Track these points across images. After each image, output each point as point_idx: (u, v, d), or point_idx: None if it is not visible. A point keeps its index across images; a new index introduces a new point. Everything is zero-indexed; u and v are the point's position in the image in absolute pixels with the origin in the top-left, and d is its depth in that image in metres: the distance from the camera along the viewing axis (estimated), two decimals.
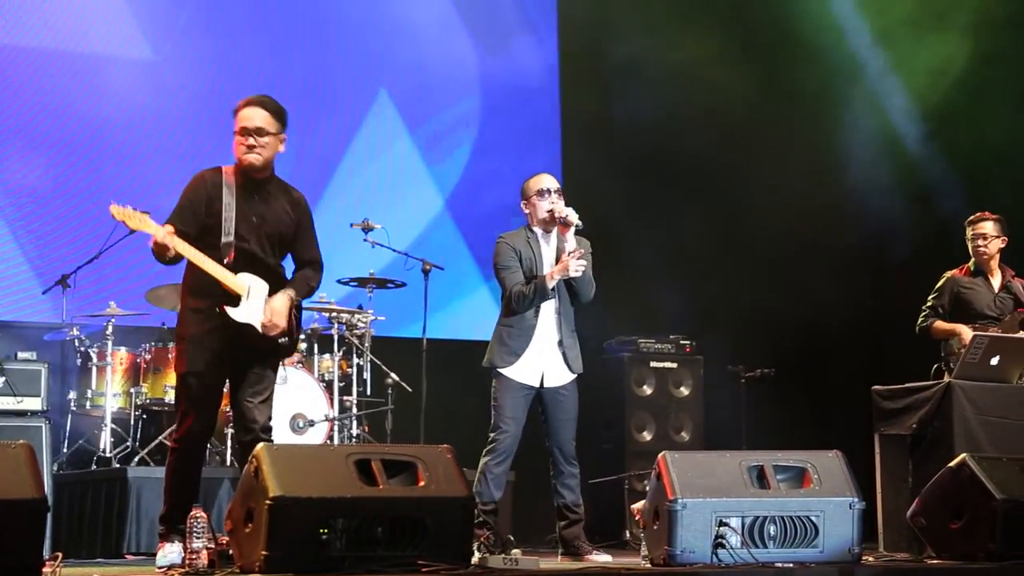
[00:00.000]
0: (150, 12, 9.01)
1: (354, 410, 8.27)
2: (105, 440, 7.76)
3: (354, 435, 8.17)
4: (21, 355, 7.60)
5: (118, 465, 7.56)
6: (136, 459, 7.60)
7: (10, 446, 4.66)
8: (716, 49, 9.68)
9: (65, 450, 7.88)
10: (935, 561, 5.79)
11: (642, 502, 5.75)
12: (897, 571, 5.87)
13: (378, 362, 8.38)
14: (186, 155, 8.73)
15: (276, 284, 5.60)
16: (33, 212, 8.68)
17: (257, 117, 5.54)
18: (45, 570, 4.67)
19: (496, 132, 10.08)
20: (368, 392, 8.43)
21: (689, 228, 10.10)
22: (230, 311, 5.45)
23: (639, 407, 8.99)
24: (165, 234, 5.36)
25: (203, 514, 5.01)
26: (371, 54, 9.68)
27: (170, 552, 5.44)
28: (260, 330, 5.51)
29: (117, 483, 7.24)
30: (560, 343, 6.43)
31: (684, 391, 9.10)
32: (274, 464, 4.68)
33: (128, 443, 7.77)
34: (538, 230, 6.51)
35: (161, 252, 5.42)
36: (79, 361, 7.98)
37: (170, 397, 7.63)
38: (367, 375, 8.43)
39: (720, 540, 5.28)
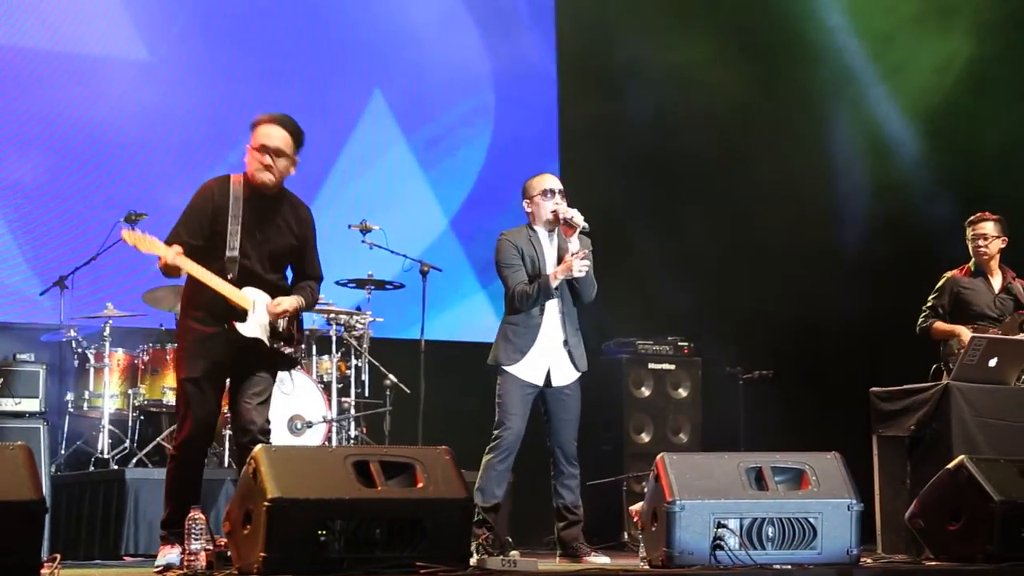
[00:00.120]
0: (147, 14, 9.00)
1: (352, 411, 8.27)
2: (103, 441, 7.75)
3: (352, 436, 8.17)
4: (19, 356, 7.61)
5: (116, 466, 7.55)
6: (134, 460, 7.60)
7: (8, 447, 4.66)
8: (716, 50, 9.68)
9: (63, 451, 7.88)
10: (933, 563, 5.79)
11: (640, 503, 5.75)
12: (895, 573, 5.87)
13: (376, 363, 8.38)
14: (183, 156, 8.75)
15: (277, 296, 5.62)
16: (31, 213, 8.67)
17: (278, 137, 5.52)
18: (43, 571, 4.67)
19: (494, 133, 10.07)
20: (366, 393, 8.43)
21: (688, 229, 10.11)
22: (239, 327, 5.46)
23: (637, 409, 8.98)
24: (175, 255, 5.36)
25: (201, 515, 5.01)
26: (368, 55, 9.68)
27: (169, 554, 5.44)
28: (268, 344, 5.52)
29: (115, 484, 7.23)
30: (566, 342, 6.44)
31: (682, 392, 9.10)
32: (272, 465, 4.68)
33: (126, 444, 7.76)
34: (540, 229, 6.51)
35: (170, 272, 5.42)
36: (77, 362, 7.98)
37: (168, 398, 7.64)
38: (365, 376, 8.43)
39: (718, 542, 5.28)
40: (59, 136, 8.70)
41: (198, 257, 5.47)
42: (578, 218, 6.37)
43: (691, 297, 9.91)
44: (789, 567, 5.30)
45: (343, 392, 8.26)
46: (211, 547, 5.05)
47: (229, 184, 5.55)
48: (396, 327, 8.82)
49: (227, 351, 5.50)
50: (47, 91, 8.74)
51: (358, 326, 8.36)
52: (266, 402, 5.63)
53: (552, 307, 6.42)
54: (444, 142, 9.91)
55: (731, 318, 9.94)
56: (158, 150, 8.84)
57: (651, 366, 9.05)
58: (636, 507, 5.89)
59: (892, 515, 6.73)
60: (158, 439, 7.71)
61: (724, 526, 5.31)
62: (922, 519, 5.89)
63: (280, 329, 5.58)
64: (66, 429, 7.94)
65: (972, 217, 7.43)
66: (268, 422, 5.63)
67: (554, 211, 6.43)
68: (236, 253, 5.47)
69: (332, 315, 8.23)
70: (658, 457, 5.51)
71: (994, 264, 7.40)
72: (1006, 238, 7.39)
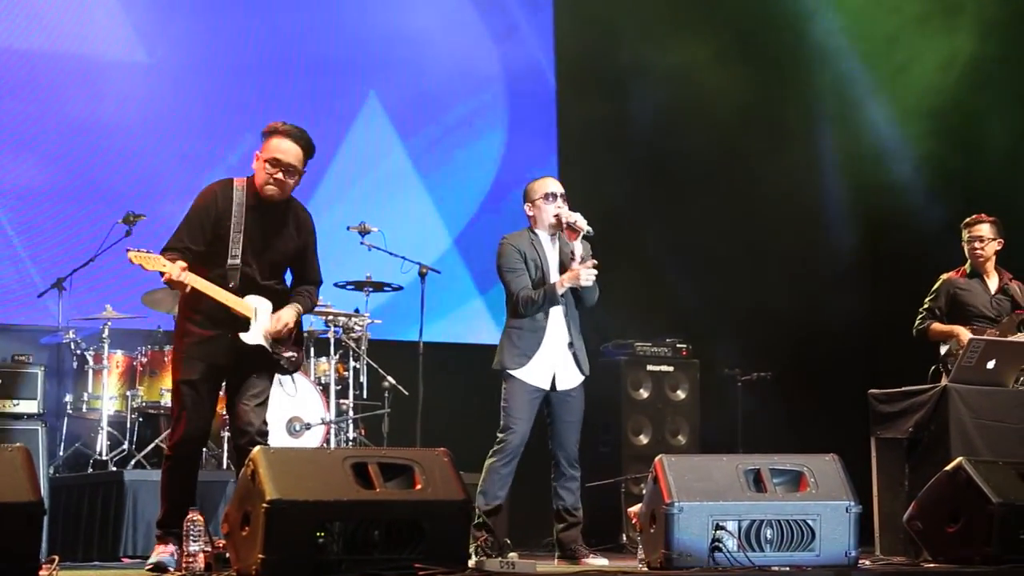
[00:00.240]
0: (145, 16, 9.00)
1: (351, 413, 8.26)
2: (101, 443, 7.75)
3: (350, 438, 8.17)
4: (18, 358, 7.61)
5: (114, 468, 7.55)
6: (132, 462, 7.59)
7: (7, 449, 4.67)
8: (716, 51, 9.68)
9: (61, 453, 7.88)
10: (931, 565, 5.79)
11: (639, 505, 5.76)
12: (894, 575, 5.87)
13: (375, 365, 8.38)
14: (181, 157, 8.74)
15: (277, 303, 5.63)
16: (29, 214, 8.67)
17: (292, 155, 5.51)
18: (41, 573, 4.68)
19: (493, 136, 10.07)
20: (365, 395, 8.43)
21: (686, 231, 10.12)
22: (243, 336, 5.47)
23: (636, 410, 8.98)
24: (179, 271, 5.36)
25: (200, 517, 5.01)
26: (364, 57, 9.68)
27: (162, 553, 5.45)
28: (270, 350, 5.52)
29: (113, 486, 7.23)
30: (570, 344, 6.44)
31: (681, 394, 9.10)
32: (271, 467, 4.68)
33: (124, 446, 7.76)
34: (541, 232, 6.51)
35: (176, 287, 5.42)
36: (75, 364, 7.97)
37: (166, 400, 7.64)
38: (364, 378, 8.44)
39: (717, 543, 5.29)
40: (58, 138, 8.70)
41: (198, 262, 5.48)
42: (581, 222, 6.36)
43: (690, 299, 9.91)
44: (787, 569, 5.31)
45: (341, 394, 8.26)
46: (210, 549, 5.05)
47: (232, 189, 5.53)
48: (394, 329, 8.82)
49: (226, 354, 5.51)
50: (45, 93, 8.74)
51: (356, 328, 8.36)
52: (264, 404, 5.63)
53: (556, 311, 6.42)
54: (442, 145, 9.90)
55: (729, 320, 9.94)
56: (156, 151, 8.84)
57: (650, 368, 9.05)
58: (635, 509, 5.90)
59: (890, 517, 6.74)
60: (156, 441, 7.71)
61: (722, 528, 5.32)
62: (920, 521, 5.89)
63: (282, 336, 5.59)
64: (64, 431, 7.93)
65: (968, 219, 7.43)
66: (266, 423, 5.63)
67: (556, 215, 6.43)
68: (238, 261, 5.47)
69: (330, 317, 8.23)
70: (656, 459, 5.52)
71: (990, 266, 7.40)
72: (1002, 240, 7.39)
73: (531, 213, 6.54)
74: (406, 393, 8.19)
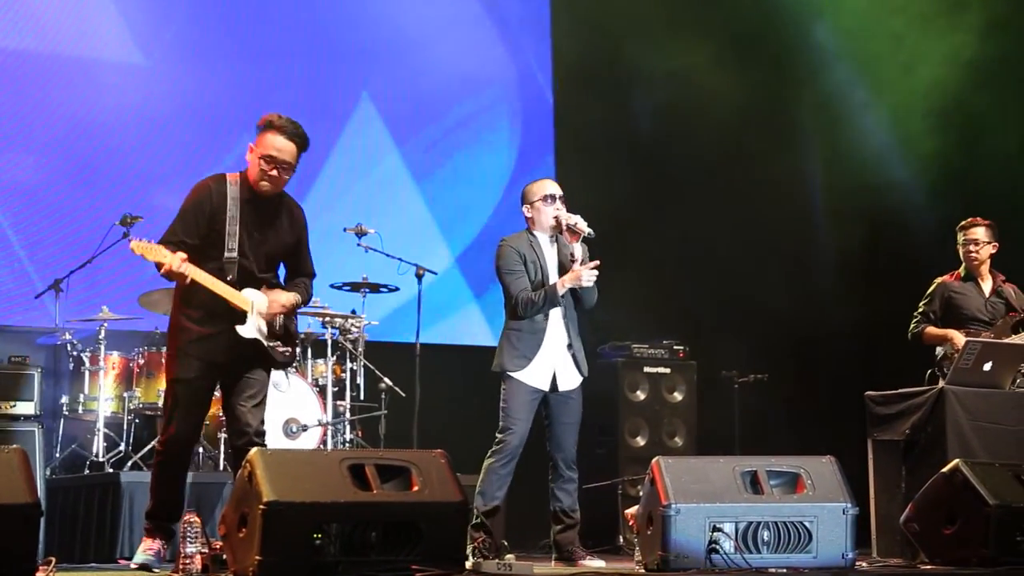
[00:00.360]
0: (141, 18, 9.00)
1: (347, 415, 8.26)
2: (98, 445, 7.74)
3: (347, 440, 8.16)
4: (14, 359, 7.60)
5: (111, 470, 7.54)
6: (129, 464, 7.59)
7: (3, 451, 4.66)
8: (713, 52, 9.68)
9: (58, 454, 7.87)
10: (928, 567, 5.79)
11: (636, 507, 5.76)
12: None
13: (371, 367, 8.38)
14: (178, 159, 8.74)
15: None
16: (26, 216, 8.66)
17: (288, 152, 5.51)
18: (38, 575, 4.66)
19: (491, 138, 10.07)
20: (361, 397, 8.43)
21: (683, 234, 10.12)
22: (239, 329, 5.47)
23: (633, 412, 8.99)
24: (180, 263, 5.36)
25: (197, 519, 5.01)
26: (361, 59, 9.68)
27: (148, 551, 5.46)
28: (265, 343, 5.52)
29: (110, 488, 7.22)
30: (570, 346, 6.45)
31: (678, 396, 9.10)
32: (268, 469, 4.68)
33: (121, 448, 7.75)
34: (540, 234, 6.51)
35: (175, 278, 5.41)
36: (72, 365, 7.96)
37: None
38: (360, 380, 8.43)
39: (714, 545, 5.29)
40: (55, 139, 8.69)
41: (194, 256, 5.47)
42: (582, 224, 6.37)
43: (687, 301, 9.92)
44: (784, 571, 5.31)
45: (338, 395, 8.25)
46: (207, 550, 5.05)
47: (226, 184, 5.54)
48: (391, 330, 8.82)
49: (223, 352, 5.50)
50: (42, 94, 8.74)
51: (353, 329, 8.36)
52: (261, 404, 5.63)
53: (556, 313, 6.42)
54: (439, 147, 9.89)
55: (727, 322, 9.94)
56: (153, 153, 8.84)
57: (646, 370, 9.06)
58: (632, 511, 5.90)
59: (887, 519, 6.75)
60: (153, 442, 7.66)
61: (719, 530, 5.32)
62: (917, 523, 5.90)
63: (276, 327, 5.59)
64: (61, 432, 7.93)
65: (963, 222, 7.44)
66: (263, 424, 5.63)
67: (556, 218, 6.43)
68: (235, 254, 5.47)
69: (327, 318, 8.23)
70: (653, 461, 5.52)
71: (985, 269, 7.41)
72: (997, 243, 7.40)
73: (529, 215, 6.54)
74: (403, 394, 8.19)
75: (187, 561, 4.96)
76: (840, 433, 8.03)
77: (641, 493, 5.74)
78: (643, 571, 5.51)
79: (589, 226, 6.38)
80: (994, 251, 7.41)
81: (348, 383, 8.33)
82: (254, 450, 4.83)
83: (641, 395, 9.02)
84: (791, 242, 9.94)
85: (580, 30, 10.11)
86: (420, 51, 9.65)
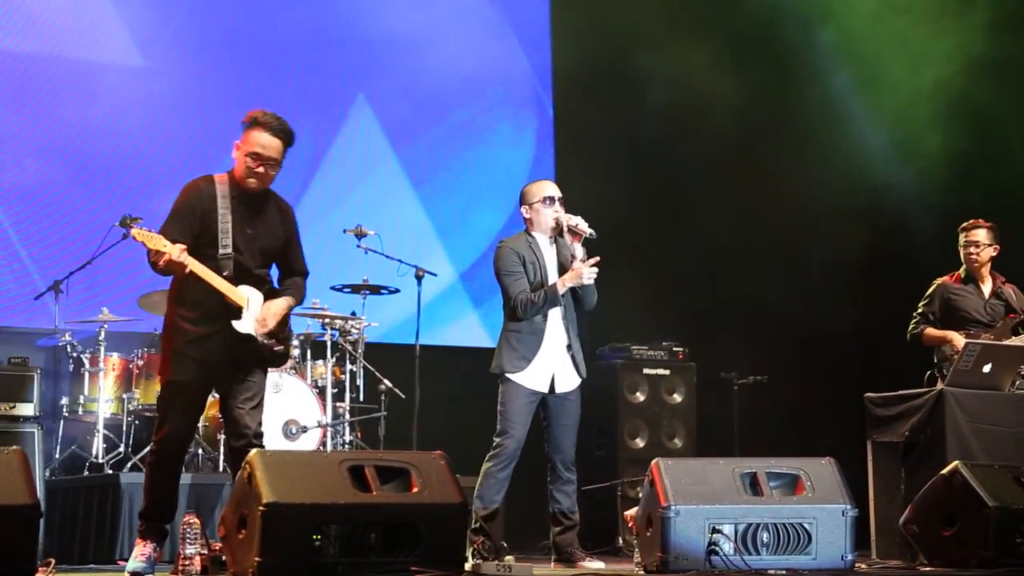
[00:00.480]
0: (140, 20, 9.01)
1: (347, 416, 8.26)
2: (97, 446, 7.74)
3: (347, 441, 8.16)
4: (14, 360, 7.61)
5: (110, 471, 7.54)
6: (128, 465, 7.58)
7: (3, 452, 4.66)
8: (714, 53, 9.66)
9: (57, 456, 7.87)
10: (928, 568, 5.79)
11: (635, 509, 5.76)
12: None
13: (371, 368, 8.38)
14: (177, 160, 8.74)
15: (267, 294, 5.63)
16: (26, 217, 8.66)
17: (273, 148, 5.51)
18: None
19: (490, 139, 10.07)
20: (361, 398, 8.43)
21: (683, 235, 10.12)
22: (235, 324, 5.47)
23: (632, 414, 8.99)
24: (180, 252, 5.36)
25: (196, 520, 5.02)
26: (359, 60, 9.67)
27: (140, 556, 5.45)
28: (260, 340, 5.52)
29: (109, 489, 7.22)
30: (569, 347, 6.45)
31: (677, 398, 9.11)
32: (267, 470, 4.68)
33: (120, 449, 7.75)
34: (539, 235, 6.51)
35: (175, 268, 5.41)
36: (71, 367, 7.96)
37: None
38: (360, 381, 8.43)
39: (713, 547, 5.29)
40: (54, 140, 8.69)
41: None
42: (583, 225, 6.38)
43: (686, 302, 9.92)
44: (784, 572, 5.31)
45: (338, 397, 8.25)
46: (206, 551, 5.05)
47: (214, 184, 5.55)
48: (391, 332, 8.82)
49: (219, 351, 5.49)
50: (41, 95, 8.74)
51: (353, 331, 8.35)
52: (259, 406, 5.62)
53: (555, 314, 6.42)
54: (437, 150, 9.89)
55: (726, 323, 9.95)
56: (153, 154, 8.84)
57: (646, 371, 9.06)
58: (631, 512, 5.90)
59: (887, 520, 6.75)
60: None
61: (719, 531, 5.32)
62: (916, 525, 5.90)
63: (271, 328, 5.60)
64: (61, 433, 7.93)
65: (965, 224, 7.44)
66: (261, 426, 5.63)
67: (555, 219, 6.43)
68: (230, 250, 5.47)
69: (327, 320, 8.23)
70: (653, 462, 5.52)
71: (985, 271, 7.41)
72: (998, 246, 7.40)
73: (528, 216, 6.54)
74: (403, 396, 8.19)
75: (186, 562, 4.97)
76: (839, 435, 8.03)
77: (640, 495, 5.74)
78: (642, 573, 5.51)
79: (590, 227, 6.38)
80: (995, 253, 7.41)
81: (348, 385, 8.33)
82: (253, 451, 4.83)
83: (640, 397, 9.03)
84: (791, 243, 9.93)
85: (580, 31, 10.09)
86: (419, 53, 9.64)
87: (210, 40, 9.21)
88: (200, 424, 7.39)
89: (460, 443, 6.67)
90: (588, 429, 8.45)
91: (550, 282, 6.41)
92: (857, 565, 5.64)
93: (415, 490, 4.85)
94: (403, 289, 8.37)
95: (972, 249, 7.37)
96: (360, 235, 8.24)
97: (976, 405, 6.70)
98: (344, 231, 8.26)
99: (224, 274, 5.45)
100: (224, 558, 4.92)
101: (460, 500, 4.92)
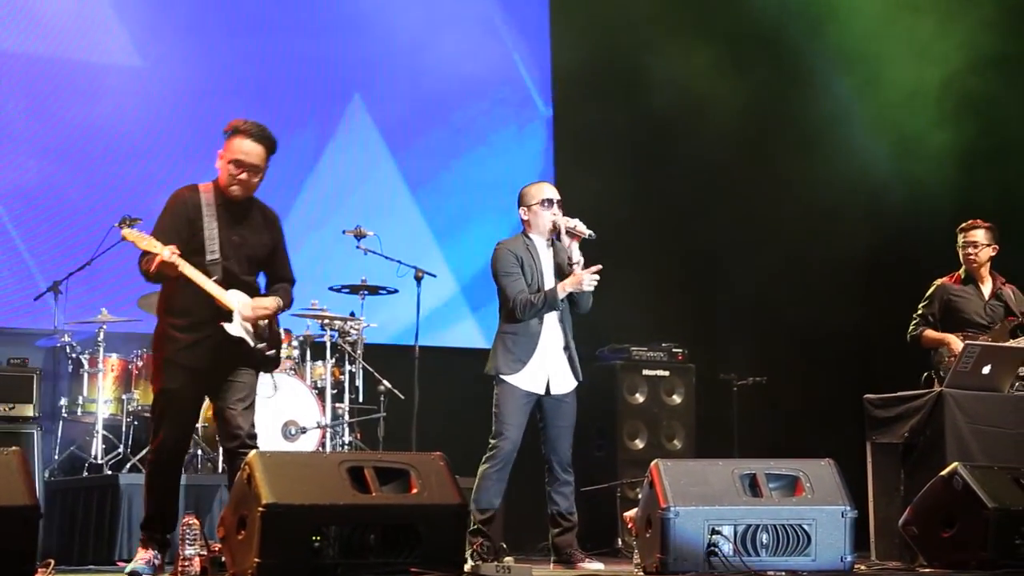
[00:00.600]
0: (139, 21, 9.01)
1: (346, 417, 8.26)
2: (97, 447, 7.74)
3: (346, 442, 8.16)
4: (13, 361, 7.61)
5: (110, 472, 7.54)
6: (128, 466, 7.58)
7: (2, 453, 4.67)
8: (720, 55, 9.66)
9: (56, 457, 7.87)
10: (927, 570, 5.80)
11: (634, 510, 5.76)
12: None
13: (370, 369, 8.37)
14: (176, 161, 8.74)
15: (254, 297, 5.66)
16: (26, 217, 8.66)
17: (255, 154, 5.55)
18: None
19: (489, 141, 10.07)
20: (360, 399, 8.43)
21: (683, 237, 10.12)
22: (227, 327, 5.48)
23: (631, 415, 8.99)
24: (171, 253, 5.37)
25: (196, 521, 5.02)
26: (358, 62, 9.67)
27: (141, 559, 5.47)
28: (252, 344, 5.53)
29: (109, 490, 7.22)
30: (565, 348, 6.45)
31: (676, 399, 9.11)
32: (267, 471, 4.69)
33: (120, 450, 7.75)
34: (536, 237, 6.51)
35: (166, 269, 5.41)
36: (71, 367, 7.96)
37: None
38: (359, 382, 8.43)
39: (712, 548, 5.29)
40: (53, 141, 8.69)
41: None
42: (581, 227, 6.38)
43: (686, 304, 9.91)
44: (783, 574, 5.31)
45: (337, 398, 8.25)
46: (206, 552, 5.05)
47: (199, 193, 5.60)
48: (390, 333, 8.82)
49: (209, 356, 5.51)
50: (41, 96, 8.74)
51: (352, 332, 8.35)
52: (251, 407, 5.65)
53: (551, 316, 6.42)
54: (436, 152, 9.88)
55: (726, 325, 9.95)
56: (152, 155, 8.84)
57: (645, 372, 9.06)
58: (630, 513, 5.90)
59: (886, 522, 6.74)
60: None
61: (718, 532, 5.32)
62: (916, 526, 5.90)
63: (261, 329, 5.61)
64: (60, 434, 7.93)
65: (963, 224, 7.44)
66: (254, 427, 5.65)
67: (554, 222, 6.43)
68: (217, 256, 5.50)
69: (326, 321, 8.22)
70: (652, 463, 5.52)
71: (984, 271, 7.41)
72: (996, 246, 7.39)
73: (526, 218, 6.53)
74: (402, 397, 8.19)
75: (186, 563, 4.97)
76: (839, 436, 8.02)
77: (640, 496, 5.74)
78: (642, 574, 5.51)
79: (589, 228, 6.38)
80: (994, 253, 7.40)
81: (347, 385, 8.33)
82: (253, 453, 4.84)
83: (640, 398, 9.03)
84: (791, 244, 9.93)
85: (579, 32, 10.09)
86: (417, 54, 9.64)
87: (208, 40, 9.21)
88: (200, 425, 7.39)
89: (459, 444, 6.67)
90: (587, 430, 8.48)
91: (546, 284, 6.41)
92: (856, 566, 5.64)
93: (414, 491, 4.85)
94: (402, 290, 8.37)
95: (971, 250, 7.37)
96: (359, 236, 8.23)
97: (975, 406, 6.70)
98: (343, 232, 8.26)
99: (213, 279, 5.47)
100: (223, 559, 4.92)
101: (459, 501, 4.92)
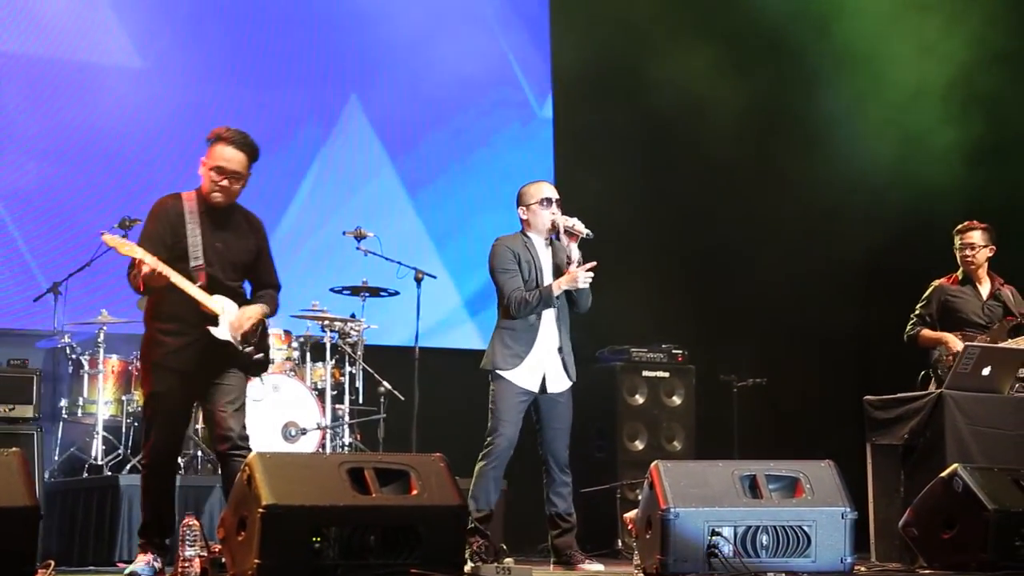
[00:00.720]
0: (138, 22, 9.01)
1: (346, 418, 8.26)
2: (96, 448, 7.75)
3: (346, 444, 8.16)
4: (13, 362, 7.61)
5: (109, 473, 7.54)
6: (128, 467, 7.58)
7: (2, 453, 4.67)
8: (722, 55, 9.65)
9: (56, 458, 7.87)
10: (927, 571, 5.80)
11: (634, 511, 5.76)
12: None
13: (371, 370, 8.38)
14: (176, 162, 8.73)
15: (241, 304, 5.67)
16: (25, 219, 8.66)
17: (237, 162, 5.59)
18: None
19: (489, 142, 10.07)
20: (360, 400, 8.43)
21: (683, 237, 10.12)
22: (212, 330, 5.51)
23: (631, 416, 8.99)
24: (155, 260, 5.40)
25: (196, 522, 5.02)
26: (357, 64, 9.67)
27: (138, 562, 5.49)
28: (239, 348, 5.55)
29: (109, 491, 7.23)
30: (560, 348, 6.46)
31: (676, 400, 9.11)
32: (267, 472, 4.69)
33: (120, 451, 7.75)
34: (535, 235, 6.52)
35: (154, 281, 5.42)
36: (70, 368, 7.97)
37: None
38: (359, 383, 8.43)
39: (712, 549, 5.29)
40: (53, 142, 8.69)
41: None
42: (579, 226, 6.39)
43: (685, 305, 9.91)
44: (783, 575, 5.31)
45: (337, 399, 8.25)
46: (205, 553, 5.05)
47: (182, 201, 5.63)
48: (390, 334, 8.81)
49: (196, 359, 5.54)
50: (41, 97, 8.74)
51: (352, 333, 8.35)
52: (241, 409, 5.67)
53: (548, 314, 6.43)
54: (436, 153, 9.88)
55: (725, 326, 9.94)
56: (151, 156, 8.84)
57: (645, 374, 9.06)
58: (630, 514, 5.89)
59: (886, 523, 6.74)
60: None
61: (718, 534, 5.32)
62: (916, 527, 5.90)
63: (248, 333, 5.61)
64: (60, 435, 7.93)
65: (960, 225, 7.44)
66: (245, 428, 5.66)
67: (552, 221, 6.44)
68: (201, 262, 5.54)
69: (326, 322, 8.22)
70: (652, 465, 5.52)
71: (982, 272, 7.41)
72: (994, 247, 7.39)
73: (525, 217, 6.55)
74: (402, 398, 8.19)
75: (186, 564, 4.97)
76: (839, 437, 8.03)
77: (640, 497, 5.74)
78: (642, 575, 5.51)
79: (587, 227, 6.38)
80: (991, 254, 7.40)
81: (347, 387, 8.33)
82: (253, 454, 4.84)
83: (640, 399, 9.03)
84: (791, 246, 9.93)
85: (579, 32, 10.09)
86: (417, 55, 9.64)
87: (208, 41, 9.21)
88: (199, 426, 7.40)
89: (459, 445, 6.66)
90: (587, 431, 8.49)
91: (545, 283, 6.42)
92: (856, 568, 5.64)
93: (414, 492, 4.85)
94: (402, 291, 8.37)
95: (968, 251, 7.37)
96: (359, 237, 8.24)
97: (975, 408, 6.70)
98: (343, 233, 8.26)
99: (198, 284, 5.50)
100: (223, 560, 4.92)
101: (459, 502, 4.92)
